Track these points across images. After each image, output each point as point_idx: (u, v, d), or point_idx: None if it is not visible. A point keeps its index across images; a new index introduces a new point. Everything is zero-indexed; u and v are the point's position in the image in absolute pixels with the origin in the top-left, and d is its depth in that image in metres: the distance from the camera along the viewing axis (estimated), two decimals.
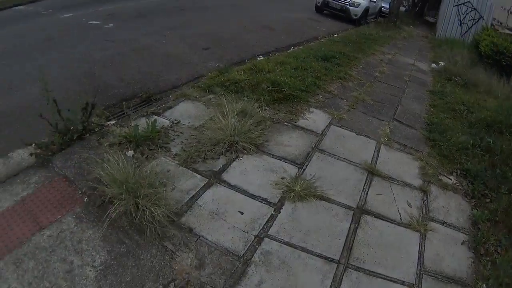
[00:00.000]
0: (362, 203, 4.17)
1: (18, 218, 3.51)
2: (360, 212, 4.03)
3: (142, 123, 4.94)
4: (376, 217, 4.02)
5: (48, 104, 4.35)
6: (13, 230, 3.39)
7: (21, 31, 11.25)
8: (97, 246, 3.26)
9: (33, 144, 4.43)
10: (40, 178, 4.01)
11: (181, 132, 5.01)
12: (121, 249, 3.26)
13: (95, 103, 4.67)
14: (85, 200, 3.70)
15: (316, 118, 5.80)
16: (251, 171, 4.40)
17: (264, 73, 7.19)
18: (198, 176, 4.20)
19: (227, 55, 9.21)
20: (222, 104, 5.20)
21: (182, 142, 4.79)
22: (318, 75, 7.56)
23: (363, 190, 4.38)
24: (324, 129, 5.53)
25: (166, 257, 3.26)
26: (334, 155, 4.94)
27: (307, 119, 5.71)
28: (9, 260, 3.10)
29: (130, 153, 4.35)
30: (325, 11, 18.25)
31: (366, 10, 18.25)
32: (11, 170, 4.17)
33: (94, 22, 11.87)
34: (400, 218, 4.08)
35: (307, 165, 4.61)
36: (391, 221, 4.02)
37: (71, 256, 3.15)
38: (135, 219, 3.41)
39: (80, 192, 3.81)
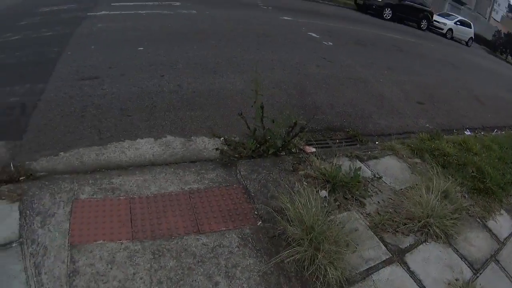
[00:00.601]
0: None
1: (177, 208, 3.90)
2: None
3: (345, 164, 5.20)
4: None
5: (252, 106, 4.76)
6: (166, 218, 3.77)
7: (236, 18, 12.89)
8: (252, 280, 3.40)
9: (222, 138, 4.87)
10: (217, 178, 4.42)
11: (380, 190, 5.19)
12: None
13: (304, 127, 5.02)
14: (258, 224, 3.94)
15: (503, 223, 5.95)
16: (433, 261, 4.50)
17: (472, 154, 7.48)
18: (383, 247, 4.33)
19: (438, 117, 9.48)
20: (428, 176, 5.48)
21: (378, 202, 4.97)
22: None
23: None
24: (506, 238, 5.68)
25: None
26: (505, 270, 5.03)
27: (495, 221, 5.88)
28: (149, 246, 3.45)
29: (323, 193, 4.52)
30: None
31: None
32: (188, 155, 4.67)
33: (312, 34, 13.05)
34: None
35: (481, 273, 4.74)
36: None
37: (219, 277, 3.34)
38: (305, 271, 3.53)
39: (256, 213, 4.08)
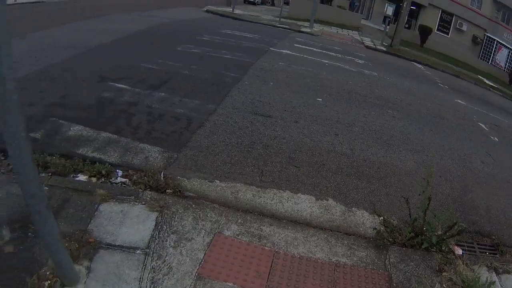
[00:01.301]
0: None
1: (319, 277, 3.96)
2: None
3: (483, 275, 5.05)
4: None
5: (420, 194, 4.85)
6: (305, 283, 3.83)
7: (415, 91, 13.29)
8: None
9: (382, 218, 4.86)
10: (366, 258, 4.44)
11: None
12: None
13: (462, 229, 4.95)
14: None
15: None
16: None
17: None
18: None
19: None
20: None
21: None
22: None
23: None
24: None
25: None
26: None
27: None
28: None
29: None
30: None
31: None
32: (345, 225, 4.84)
33: (482, 125, 12.60)
34: None
35: None
36: None
37: None
38: None
39: None
